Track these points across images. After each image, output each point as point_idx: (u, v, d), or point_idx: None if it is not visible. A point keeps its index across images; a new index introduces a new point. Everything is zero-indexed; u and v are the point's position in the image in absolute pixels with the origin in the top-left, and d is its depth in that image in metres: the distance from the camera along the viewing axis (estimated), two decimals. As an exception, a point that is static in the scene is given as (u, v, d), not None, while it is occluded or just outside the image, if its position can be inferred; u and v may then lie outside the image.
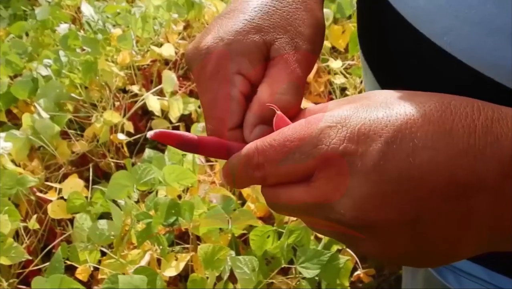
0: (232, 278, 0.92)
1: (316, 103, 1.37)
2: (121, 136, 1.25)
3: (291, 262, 0.98)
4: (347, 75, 1.39)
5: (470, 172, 0.24)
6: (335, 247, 0.95)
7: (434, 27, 0.32)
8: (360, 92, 1.37)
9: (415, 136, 0.25)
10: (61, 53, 1.32)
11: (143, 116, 1.44)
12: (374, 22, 0.39)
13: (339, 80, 1.37)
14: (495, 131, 0.25)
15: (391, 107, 0.26)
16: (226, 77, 0.32)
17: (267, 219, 1.10)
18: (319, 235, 1.01)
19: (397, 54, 0.36)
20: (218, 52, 0.32)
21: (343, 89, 1.41)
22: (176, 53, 1.44)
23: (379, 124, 0.25)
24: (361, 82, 1.39)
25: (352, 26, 1.46)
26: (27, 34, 1.51)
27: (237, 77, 0.32)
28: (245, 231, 1.00)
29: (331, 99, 1.41)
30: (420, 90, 0.35)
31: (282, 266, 0.95)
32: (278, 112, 0.29)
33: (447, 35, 0.31)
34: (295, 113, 0.32)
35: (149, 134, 0.29)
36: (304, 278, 0.94)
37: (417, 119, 0.25)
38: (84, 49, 1.39)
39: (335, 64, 1.36)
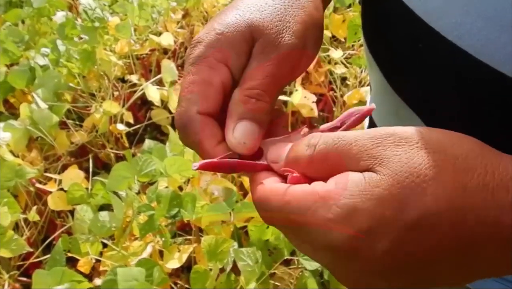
0: (235, 269, 0.92)
1: (316, 93, 1.36)
2: (121, 127, 1.24)
3: (293, 253, 0.98)
4: (348, 65, 1.38)
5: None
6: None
7: (444, 21, 0.31)
8: (360, 82, 1.36)
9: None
10: (59, 42, 1.30)
11: (142, 106, 1.43)
12: (380, 14, 0.38)
13: (339, 70, 1.36)
14: None
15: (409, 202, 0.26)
16: (210, 63, 0.32)
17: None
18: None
19: (404, 48, 0.36)
20: (208, 40, 0.33)
21: (343, 79, 1.40)
22: (175, 42, 1.43)
23: (388, 223, 0.25)
24: (362, 72, 1.39)
25: (352, 15, 1.45)
26: (23, 22, 1.48)
27: (221, 66, 0.32)
28: (247, 223, 1.00)
29: (332, 89, 1.41)
30: (428, 84, 0.35)
31: (285, 257, 0.95)
32: (294, 174, 0.29)
33: (457, 30, 0.31)
34: (269, 111, 0.32)
35: (194, 166, 0.31)
36: (307, 268, 0.95)
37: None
38: (81, 38, 1.37)
39: (336, 54, 1.35)
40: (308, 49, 0.34)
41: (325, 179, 0.27)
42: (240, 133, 0.32)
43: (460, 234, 0.25)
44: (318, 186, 0.27)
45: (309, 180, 0.28)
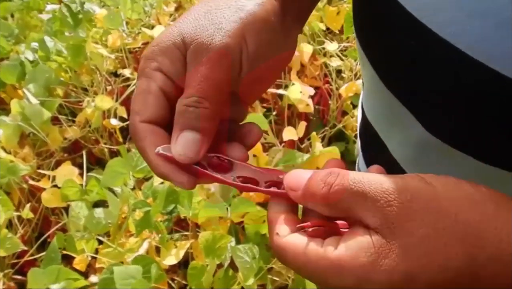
0: (232, 265, 0.91)
1: (311, 86, 1.35)
2: (114, 122, 1.22)
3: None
4: (343, 58, 1.38)
5: None
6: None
7: (437, 18, 0.31)
8: (356, 75, 1.36)
9: None
10: (47, 38, 1.28)
11: (136, 100, 1.41)
12: (372, 11, 0.37)
13: (335, 62, 1.35)
14: None
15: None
16: (146, 74, 0.34)
17: (266, 205, 1.09)
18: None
19: (396, 45, 0.35)
20: (145, 54, 0.35)
21: (339, 72, 1.39)
22: (168, 35, 1.41)
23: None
24: (357, 64, 1.38)
25: (346, 7, 1.44)
26: (12, 16, 1.45)
27: (156, 73, 0.34)
28: (243, 219, 0.99)
29: (327, 82, 1.40)
30: (421, 82, 0.34)
31: (283, 252, 0.95)
32: (310, 229, 0.30)
33: (450, 27, 0.30)
34: (214, 113, 0.33)
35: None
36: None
37: None
38: (71, 32, 1.35)
39: (331, 46, 1.34)
40: (248, 46, 0.34)
41: (338, 217, 0.29)
42: (181, 144, 0.32)
43: None
44: (329, 251, 0.28)
45: (324, 218, 0.30)
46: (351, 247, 0.27)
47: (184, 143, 0.32)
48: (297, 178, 0.30)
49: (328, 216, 0.30)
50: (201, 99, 0.32)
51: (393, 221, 0.27)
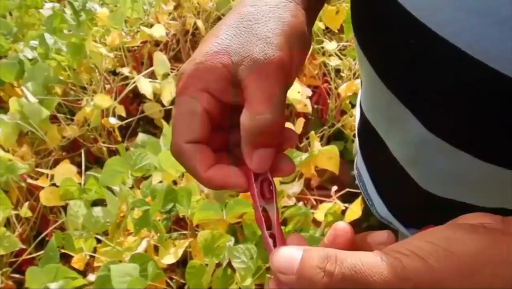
0: (231, 264, 0.91)
1: (310, 85, 1.35)
2: (113, 120, 1.22)
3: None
4: (342, 57, 1.38)
5: None
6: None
7: (436, 17, 0.31)
8: (354, 74, 1.36)
9: None
10: (47, 35, 1.28)
11: (135, 99, 1.41)
12: (371, 10, 0.37)
13: (334, 62, 1.35)
14: None
15: None
16: (191, 93, 0.34)
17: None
18: (318, 220, 1.01)
19: (396, 44, 0.35)
20: (188, 71, 0.34)
21: (337, 71, 1.39)
22: (167, 34, 1.41)
23: None
24: (356, 64, 1.38)
25: (345, 6, 1.44)
26: (10, 14, 1.45)
27: (202, 94, 0.34)
28: (240, 220, 0.99)
29: (326, 81, 1.40)
30: (420, 81, 0.34)
31: (281, 251, 0.95)
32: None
33: (449, 26, 0.30)
34: (280, 125, 0.33)
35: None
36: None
37: None
38: (71, 30, 1.35)
39: (330, 45, 1.34)
40: (294, 58, 0.34)
41: None
42: (257, 162, 0.34)
43: None
44: None
45: None
46: None
47: (260, 161, 0.34)
48: (287, 261, 0.29)
49: None
50: (272, 116, 0.33)
51: None
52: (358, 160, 0.59)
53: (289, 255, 0.29)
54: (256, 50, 0.33)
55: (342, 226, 0.31)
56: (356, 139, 0.59)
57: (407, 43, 0.34)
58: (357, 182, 0.59)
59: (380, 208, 0.54)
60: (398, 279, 0.28)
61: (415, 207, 0.48)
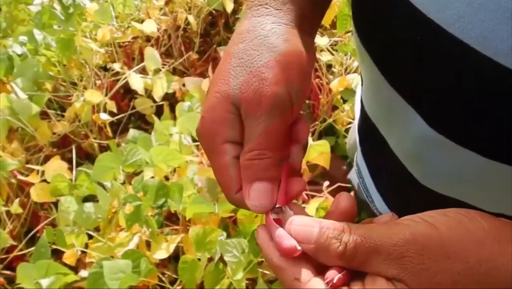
0: (223, 258, 0.91)
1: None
2: (104, 116, 1.21)
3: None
4: (334, 52, 1.38)
5: None
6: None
7: (444, 13, 0.31)
8: (346, 69, 1.36)
9: None
10: (36, 31, 1.26)
11: (126, 95, 1.40)
12: (376, 6, 0.37)
13: (325, 57, 1.35)
14: None
15: None
16: (216, 149, 0.35)
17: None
18: (310, 215, 1.01)
19: (400, 41, 0.35)
20: (202, 130, 0.36)
21: (329, 66, 1.39)
22: (158, 29, 1.40)
23: None
24: (347, 59, 1.38)
25: (337, 1, 1.44)
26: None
27: (225, 146, 0.35)
28: (233, 214, 0.99)
29: (318, 76, 1.40)
30: (426, 77, 0.34)
31: (273, 245, 0.95)
32: (335, 281, 0.31)
33: (458, 22, 0.30)
34: (271, 164, 0.34)
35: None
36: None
37: None
38: (60, 26, 1.33)
39: (322, 41, 1.34)
40: (293, 85, 0.34)
41: (355, 268, 0.31)
42: (254, 197, 0.34)
43: None
44: None
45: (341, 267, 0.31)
46: None
47: (257, 196, 0.34)
48: (305, 231, 0.31)
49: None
50: (262, 151, 0.34)
51: (410, 270, 0.29)
52: (358, 156, 0.59)
53: (307, 225, 0.31)
54: (250, 90, 0.34)
55: (345, 194, 0.34)
56: (357, 136, 0.59)
57: (413, 40, 0.34)
58: (349, 176, 0.59)
59: (379, 205, 0.55)
60: (405, 242, 0.29)
61: (415, 203, 0.48)
